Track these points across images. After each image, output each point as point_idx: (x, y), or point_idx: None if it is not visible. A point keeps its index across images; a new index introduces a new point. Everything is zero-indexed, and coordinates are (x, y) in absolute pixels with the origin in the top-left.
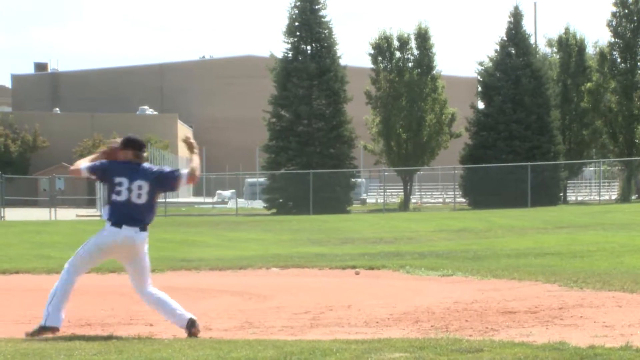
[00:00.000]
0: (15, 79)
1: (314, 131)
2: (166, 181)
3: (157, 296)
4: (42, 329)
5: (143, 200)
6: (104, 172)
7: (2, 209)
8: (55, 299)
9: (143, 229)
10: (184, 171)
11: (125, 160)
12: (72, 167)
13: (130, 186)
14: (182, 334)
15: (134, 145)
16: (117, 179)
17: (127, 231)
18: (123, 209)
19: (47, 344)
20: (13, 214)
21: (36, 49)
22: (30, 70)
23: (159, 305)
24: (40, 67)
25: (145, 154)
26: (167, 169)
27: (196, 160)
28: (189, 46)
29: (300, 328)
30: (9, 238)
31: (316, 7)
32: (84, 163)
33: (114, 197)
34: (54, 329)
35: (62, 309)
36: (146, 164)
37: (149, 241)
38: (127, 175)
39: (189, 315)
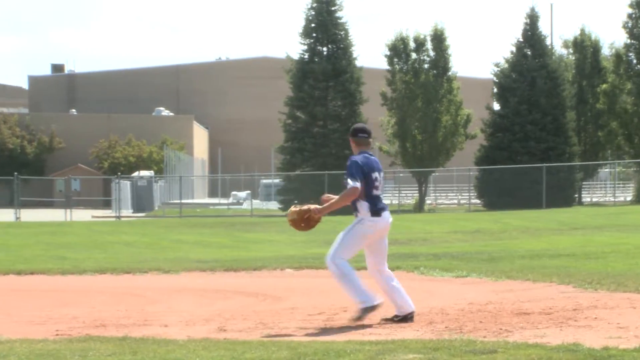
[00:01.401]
0: (32, 80)
1: (330, 132)
2: None
3: (391, 280)
4: (366, 310)
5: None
6: (365, 174)
7: (18, 210)
8: (352, 287)
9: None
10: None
11: (366, 153)
12: (348, 194)
13: (380, 179)
14: (197, 334)
15: (368, 132)
16: (373, 175)
17: (388, 215)
18: (378, 199)
19: (61, 345)
20: (29, 215)
21: (53, 50)
22: (47, 71)
23: (391, 290)
24: (57, 68)
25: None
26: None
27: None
28: (205, 47)
29: (315, 329)
30: (25, 239)
31: (332, 8)
32: (351, 182)
33: (374, 191)
34: (375, 307)
35: (363, 287)
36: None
37: None
38: (377, 169)
39: (411, 307)
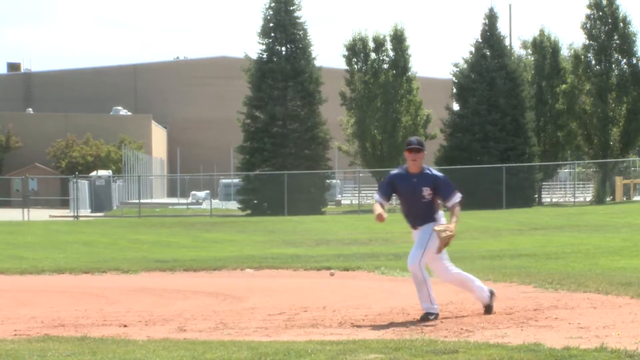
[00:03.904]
0: None
1: (289, 132)
2: None
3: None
4: (430, 316)
5: None
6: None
7: None
8: (428, 293)
9: None
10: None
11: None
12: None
13: None
14: (157, 334)
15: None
16: None
17: None
18: None
19: (20, 345)
20: None
21: (9, 48)
22: (2, 70)
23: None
24: (13, 67)
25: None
26: None
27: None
28: (163, 47)
29: (275, 329)
30: None
31: (291, 8)
32: (458, 193)
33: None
34: (437, 316)
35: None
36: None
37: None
38: None
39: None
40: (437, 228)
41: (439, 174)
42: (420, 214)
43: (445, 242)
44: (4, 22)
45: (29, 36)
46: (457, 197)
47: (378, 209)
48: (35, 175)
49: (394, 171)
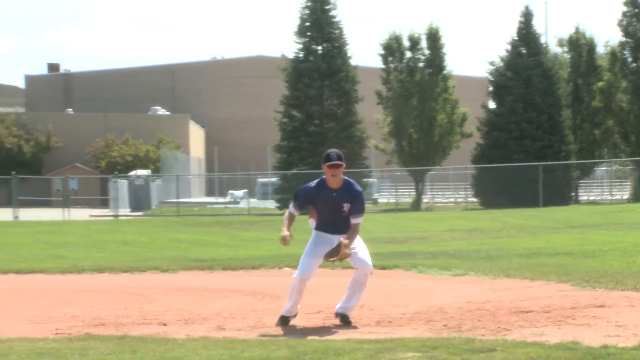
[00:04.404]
0: (29, 79)
1: (326, 131)
2: None
3: None
4: None
5: None
6: None
7: (16, 209)
8: None
9: None
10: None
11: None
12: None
13: None
14: (196, 333)
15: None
16: None
17: None
18: None
19: (61, 344)
20: (27, 214)
21: (49, 50)
22: (43, 71)
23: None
24: (53, 68)
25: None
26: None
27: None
28: (201, 47)
29: (313, 327)
30: (23, 238)
31: (327, 7)
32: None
33: None
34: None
35: None
36: None
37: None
38: None
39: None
40: (344, 241)
41: (358, 189)
42: (340, 225)
43: (342, 257)
44: (44, 23)
45: (68, 37)
46: (361, 218)
47: (285, 231)
48: (75, 175)
49: (312, 184)
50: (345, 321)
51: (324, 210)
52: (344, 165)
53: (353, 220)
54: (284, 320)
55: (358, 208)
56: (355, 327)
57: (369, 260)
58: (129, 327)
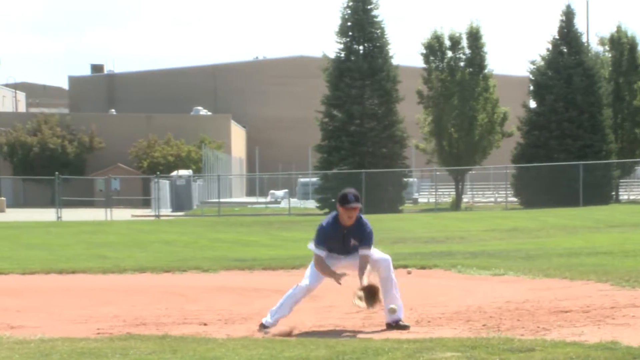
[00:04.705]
0: (72, 80)
1: (367, 131)
2: None
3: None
4: None
5: None
6: None
7: (59, 210)
8: None
9: None
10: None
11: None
12: None
13: None
14: (236, 333)
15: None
16: None
17: None
18: None
19: (103, 344)
20: (70, 214)
21: (92, 50)
22: (86, 72)
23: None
24: (97, 68)
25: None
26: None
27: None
28: (243, 47)
29: (352, 327)
30: (66, 238)
31: (368, 7)
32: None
33: None
34: None
35: None
36: None
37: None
38: None
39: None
40: (366, 285)
41: (369, 228)
42: (347, 251)
43: (374, 293)
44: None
45: (111, 38)
46: (369, 250)
47: (334, 274)
48: (117, 176)
49: (327, 226)
50: (401, 327)
51: (334, 245)
52: (360, 207)
53: (362, 252)
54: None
55: (367, 243)
56: (407, 327)
57: (382, 254)
58: (169, 327)
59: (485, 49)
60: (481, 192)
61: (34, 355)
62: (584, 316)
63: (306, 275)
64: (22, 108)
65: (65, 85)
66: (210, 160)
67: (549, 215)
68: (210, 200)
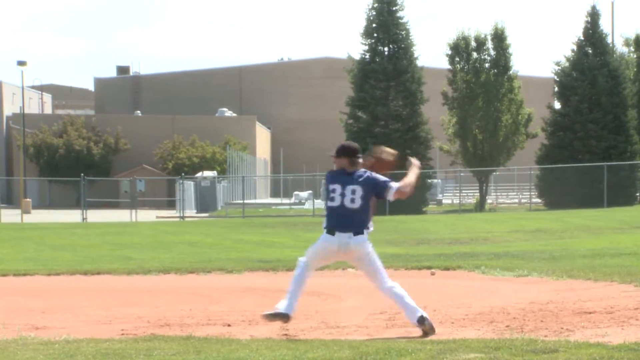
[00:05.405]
0: (98, 82)
1: (391, 132)
2: (377, 188)
3: (393, 290)
4: (275, 316)
5: (357, 204)
6: (326, 183)
7: (84, 211)
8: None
9: (357, 232)
10: (396, 185)
11: (340, 169)
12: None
13: (343, 191)
14: (260, 334)
15: (347, 152)
16: (332, 186)
17: (340, 237)
18: (335, 215)
19: (127, 344)
20: (95, 215)
21: (118, 52)
22: (112, 73)
23: (395, 299)
24: (122, 70)
25: (360, 160)
26: (381, 178)
27: (411, 177)
28: (268, 48)
29: (376, 328)
30: (91, 239)
31: (393, 8)
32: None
33: (328, 203)
34: (285, 317)
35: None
36: (362, 170)
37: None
38: (340, 182)
39: (420, 312)
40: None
41: (368, 173)
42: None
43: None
44: (113, 26)
45: (137, 40)
46: (392, 185)
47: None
48: (142, 177)
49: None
50: (427, 331)
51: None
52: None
53: (390, 193)
54: (281, 317)
55: (384, 185)
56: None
57: (380, 274)
58: (193, 328)
59: (510, 50)
60: (505, 193)
61: (59, 356)
62: (607, 317)
63: (307, 253)
64: (48, 110)
65: (91, 87)
66: (235, 161)
67: (573, 216)
68: (234, 202)
